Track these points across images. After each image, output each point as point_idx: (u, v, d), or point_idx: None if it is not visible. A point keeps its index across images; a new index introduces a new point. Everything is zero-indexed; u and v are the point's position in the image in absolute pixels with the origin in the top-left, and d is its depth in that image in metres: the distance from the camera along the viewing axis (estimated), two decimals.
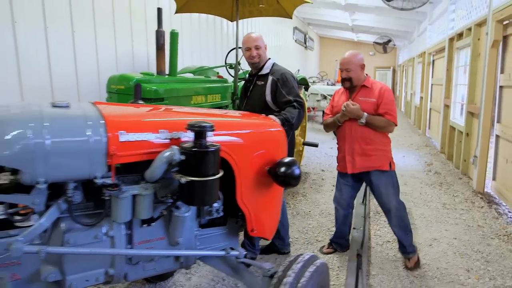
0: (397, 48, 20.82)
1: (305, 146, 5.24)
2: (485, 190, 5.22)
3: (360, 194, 4.08)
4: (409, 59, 15.36)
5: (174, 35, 3.66)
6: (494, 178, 5.19)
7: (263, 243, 3.26)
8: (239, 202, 1.92)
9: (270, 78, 2.96)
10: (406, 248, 3.16)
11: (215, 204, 1.87)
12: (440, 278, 3.03)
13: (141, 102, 2.26)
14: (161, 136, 1.63)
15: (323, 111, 9.34)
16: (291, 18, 5.04)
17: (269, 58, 3.08)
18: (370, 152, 3.06)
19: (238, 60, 4.35)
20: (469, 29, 6.13)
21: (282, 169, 1.95)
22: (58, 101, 1.56)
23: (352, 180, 3.24)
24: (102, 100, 3.80)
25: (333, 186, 3.51)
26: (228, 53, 5.15)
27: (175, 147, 1.58)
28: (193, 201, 1.63)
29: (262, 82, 2.99)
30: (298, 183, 2.00)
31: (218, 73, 4.94)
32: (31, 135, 1.34)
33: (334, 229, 3.50)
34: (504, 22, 4.81)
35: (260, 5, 4.82)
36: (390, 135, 3.15)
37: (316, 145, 4.34)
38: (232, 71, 4.93)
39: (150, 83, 3.19)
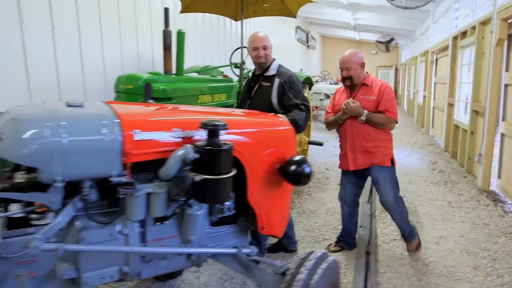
0: (400, 47, 20.78)
1: (309, 145, 5.25)
2: (490, 188, 5.21)
3: (366, 192, 4.10)
4: (412, 58, 15.34)
5: (180, 35, 3.68)
6: (499, 176, 5.19)
7: (269, 242, 3.27)
8: (250, 201, 1.94)
9: (277, 80, 2.94)
10: (406, 235, 3.30)
11: (227, 202, 1.88)
12: (447, 275, 3.04)
13: (151, 101, 2.27)
14: (174, 134, 1.65)
15: (326, 111, 9.33)
16: (295, 17, 5.05)
17: (274, 59, 3.08)
18: (371, 149, 3.10)
19: (243, 59, 4.37)
20: (473, 27, 6.12)
21: (293, 167, 1.96)
22: (72, 101, 1.57)
23: (354, 177, 3.28)
24: (109, 100, 3.82)
25: (338, 184, 3.53)
26: (233, 52, 5.16)
27: (189, 145, 1.59)
28: (206, 199, 1.65)
29: (268, 84, 2.97)
30: (308, 181, 2.01)
31: (223, 72, 4.96)
32: (48, 134, 1.36)
33: (340, 227, 3.52)
34: (509, 21, 4.81)
35: (265, 5, 4.84)
36: (393, 133, 3.19)
37: (321, 144, 4.34)
38: (236, 70, 4.95)
39: (158, 83, 3.21)
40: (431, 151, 7.97)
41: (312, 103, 10.42)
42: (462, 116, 7.05)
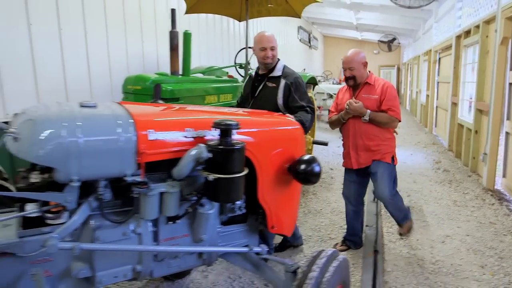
0: (402, 47, 20.76)
1: (314, 145, 5.26)
2: (495, 187, 5.21)
3: (371, 192, 4.10)
4: (414, 57, 15.32)
5: (187, 36, 3.70)
6: (504, 175, 5.19)
7: (275, 241, 3.28)
8: (260, 200, 1.95)
9: (283, 81, 2.93)
10: (399, 220, 3.53)
11: (238, 202, 1.90)
12: (454, 274, 3.05)
13: (160, 101, 2.29)
14: (187, 134, 1.66)
15: (329, 110, 9.34)
16: (299, 17, 5.06)
17: (279, 59, 3.06)
18: (373, 148, 3.15)
19: (248, 60, 4.38)
20: (477, 26, 6.12)
21: (303, 166, 1.97)
22: (85, 101, 1.59)
23: (357, 176, 3.31)
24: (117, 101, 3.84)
25: (343, 184, 3.56)
26: (238, 52, 5.17)
27: (202, 145, 1.61)
28: (219, 198, 1.66)
29: (274, 85, 2.96)
30: (318, 180, 2.03)
31: (227, 73, 4.98)
32: (65, 134, 1.38)
33: (346, 226, 3.53)
34: None
35: (269, 5, 4.85)
36: (397, 132, 3.22)
37: (326, 144, 4.35)
38: (241, 71, 4.97)
39: (165, 83, 3.23)
40: (435, 151, 7.96)
41: (315, 103, 10.44)
42: (466, 115, 7.04)
